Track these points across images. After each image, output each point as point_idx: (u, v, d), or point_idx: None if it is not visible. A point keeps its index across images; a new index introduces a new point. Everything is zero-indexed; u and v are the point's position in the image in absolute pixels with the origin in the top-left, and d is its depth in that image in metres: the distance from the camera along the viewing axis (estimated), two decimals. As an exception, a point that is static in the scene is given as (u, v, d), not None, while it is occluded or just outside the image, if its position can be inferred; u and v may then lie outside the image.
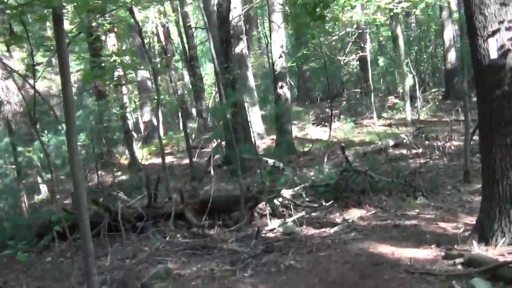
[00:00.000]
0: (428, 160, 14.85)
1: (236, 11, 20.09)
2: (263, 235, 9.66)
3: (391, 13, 21.33)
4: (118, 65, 22.95)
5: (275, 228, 9.95)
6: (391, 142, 17.85)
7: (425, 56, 33.83)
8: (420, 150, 16.41)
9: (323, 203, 11.25)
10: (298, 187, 12.12)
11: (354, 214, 10.57)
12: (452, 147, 15.98)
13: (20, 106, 22.29)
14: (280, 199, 11.34)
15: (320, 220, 10.53)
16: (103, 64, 22.26)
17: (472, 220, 8.39)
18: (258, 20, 42.85)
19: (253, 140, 15.50)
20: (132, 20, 24.47)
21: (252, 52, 41.96)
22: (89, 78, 13.84)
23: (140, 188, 15.87)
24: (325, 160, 14.99)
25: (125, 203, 12.55)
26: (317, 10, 9.75)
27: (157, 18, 29.89)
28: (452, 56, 28.15)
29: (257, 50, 46.73)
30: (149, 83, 29.96)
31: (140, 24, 29.65)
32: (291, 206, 11.05)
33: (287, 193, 11.65)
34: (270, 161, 15.35)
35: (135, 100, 32.70)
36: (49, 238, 10.71)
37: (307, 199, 11.77)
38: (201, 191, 13.30)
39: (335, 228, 9.59)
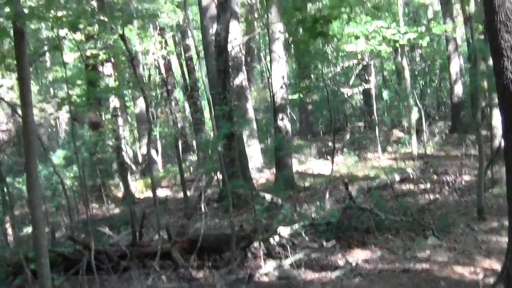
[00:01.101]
0: (438, 196, 13.81)
1: (236, 41, 19.33)
2: (256, 279, 8.68)
3: (397, 45, 20.52)
4: (114, 95, 22.43)
5: (269, 272, 8.94)
6: (397, 177, 16.86)
7: (429, 90, 33.07)
8: (428, 186, 15.44)
9: (324, 243, 10.22)
10: (296, 225, 11.13)
11: (358, 255, 9.53)
12: (463, 182, 14.96)
13: (8, 134, 21.63)
14: (277, 238, 10.35)
15: (321, 262, 9.47)
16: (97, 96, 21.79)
17: (491, 263, 7.45)
18: (262, 54, 42.37)
19: (250, 174, 14.66)
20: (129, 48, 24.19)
21: (254, 86, 41.37)
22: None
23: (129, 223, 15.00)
24: (327, 196, 14.01)
25: (110, 240, 11.70)
26: (317, 26, 8.86)
27: (157, 50, 29.37)
28: (459, 89, 27.38)
29: (259, 84, 46.09)
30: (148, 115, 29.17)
31: (141, 56, 29.46)
32: (289, 246, 10.04)
33: (284, 231, 10.67)
34: (268, 197, 14.37)
35: (133, 132, 31.90)
36: (23, 277, 9.80)
37: (307, 238, 10.75)
38: (192, 228, 12.33)
39: (337, 272, 8.57)
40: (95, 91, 17.56)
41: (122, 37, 12.77)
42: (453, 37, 26.94)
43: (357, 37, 19.87)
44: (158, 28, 29.78)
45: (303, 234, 10.82)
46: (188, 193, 17.62)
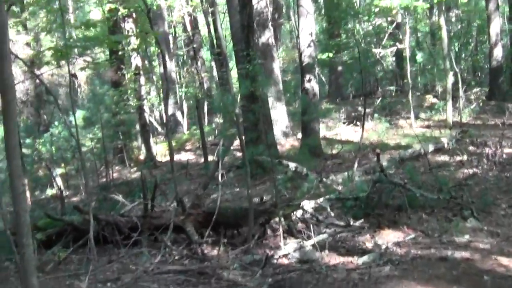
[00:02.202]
0: (476, 171, 12.73)
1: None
2: (275, 261, 7.80)
3: (434, 0, 19.24)
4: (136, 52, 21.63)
5: (289, 253, 8.05)
6: (431, 147, 15.79)
7: (464, 54, 31.69)
8: (465, 158, 14.35)
9: (351, 222, 9.27)
10: (321, 199, 10.21)
11: (388, 237, 8.54)
12: (504, 155, 13.81)
13: (25, 94, 21.02)
14: (300, 212, 9.45)
15: (347, 243, 8.52)
16: (120, 53, 21.01)
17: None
18: (291, 11, 41.17)
19: (275, 139, 13.75)
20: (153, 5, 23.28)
21: (283, 45, 40.25)
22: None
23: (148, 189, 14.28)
24: (356, 166, 13.07)
25: (124, 208, 10.94)
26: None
27: (183, 7, 28.39)
28: (498, 52, 26.03)
29: (288, 43, 44.88)
30: (173, 74, 28.45)
31: (165, 12, 28.49)
32: (312, 223, 9.12)
33: (308, 205, 9.78)
34: (292, 165, 13.42)
35: (159, 93, 31.10)
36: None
37: (332, 214, 9.82)
38: (208, 199, 11.50)
39: (365, 258, 7.60)
40: (110, 40, 16.43)
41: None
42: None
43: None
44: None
45: (329, 209, 9.89)
46: (211, 158, 16.86)
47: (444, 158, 14.87)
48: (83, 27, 16.15)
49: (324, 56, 22.67)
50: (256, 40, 17.48)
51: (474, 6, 30.99)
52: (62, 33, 17.93)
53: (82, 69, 20.30)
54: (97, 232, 8.97)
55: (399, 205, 9.60)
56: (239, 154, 16.90)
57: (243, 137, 10.32)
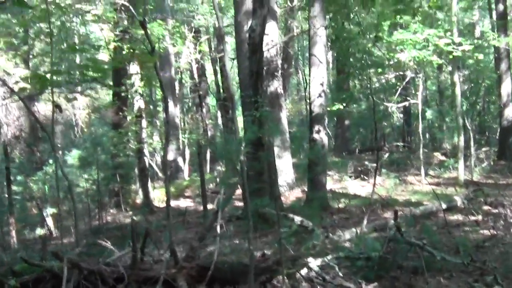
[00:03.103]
0: (495, 232, 11.89)
1: (270, 37, 17.68)
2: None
3: (450, 56, 18.65)
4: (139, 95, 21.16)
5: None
6: (444, 205, 15.00)
7: (472, 113, 31.21)
8: (480, 218, 13.56)
9: (363, 285, 8.36)
10: (329, 257, 9.35)
11: (404, 303, 7.70)
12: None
13: (19, 130, 20.43)
14: (305, 270, 8.61)
15: (357, 309, 7.67)
16: (123, 94, 20.53)
17: None
18: (299, 64, 40.95)
19: (279, 190, 12.99)
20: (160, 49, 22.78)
21: (290, 97, 39.93)
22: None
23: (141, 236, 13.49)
24: (365, 222, 12.26)
25: (112, 255, 10.06)
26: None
27: (191, 53, 28.11)
28: (509, 112, 25.65)
29: (294, 95, 44.56)
30: (177, 120, 27.96)
31: (173, 58, 28.08)
32: (318, 282, 8.26)
33: (314, 263, 8.94)
34: (297, 219, 12.57)
35: (161, 137, 30.58)
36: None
37: (340, 273, 8.93)
38: (204, 252, 10.63)
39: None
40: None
41: (143, 24, 11.21)
42: (506, 55, 25.28)
43: (406, 45, 18.07)
44: (193, 30, 28.51)
45: (337, 269, 9.01)
46: (211, 206, 16.09)
47: (458, 217, 14.09)
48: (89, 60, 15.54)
49: (335, 107, 22.05)
50: (265, 88, 16.88)
51: (483, 67, 30.73)
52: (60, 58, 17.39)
53: (68, 100, 19.66)
54: (78, 282, 8.10)
55: (415, 267, 8.72)
56: (240, 203, 16.15)
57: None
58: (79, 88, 18.93)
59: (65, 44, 19.19)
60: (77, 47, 17.10)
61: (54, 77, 12.38)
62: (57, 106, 13.10)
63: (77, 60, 26.34)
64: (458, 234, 11.57)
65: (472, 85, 30.88)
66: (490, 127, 33.21)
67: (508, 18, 26.54)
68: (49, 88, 12.74)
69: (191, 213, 18.09)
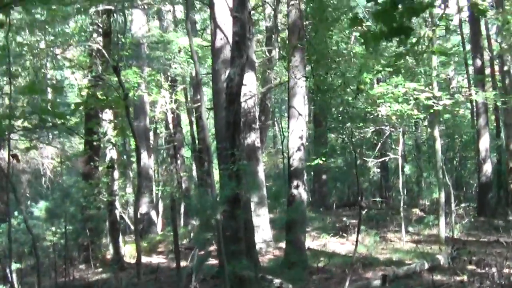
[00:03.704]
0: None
1: (248, 88, 17.24)
2: None
3: (432, 110, 18.33)
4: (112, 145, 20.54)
5: None
6: (426, 265, 14.48)
7: (451, 167, 31.05)
8: (465, 278, 13.01)
9: None
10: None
11: None
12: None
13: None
14: None
15: None
16: (95, 143, 19.92)
17: None
18: (276, 118, 40.65)
19: (256, 250, 12.35)
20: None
21: (266, 149, 39.49)
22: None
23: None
24: (347, 283, 11.64)
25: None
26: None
27: (167, 103, 27.62)
28: (488, 168, 25.50)
29: (271, 148, 44.14)
30: (150, 171, 27.26)
31: (148, 107, 27.54)
32: None
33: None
34: (276, 281, 11.93)
35: (134, 189, 29.85)
36: None
37: None
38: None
39: None
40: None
41: (116, 69, 10.69)
42: (484, 110, 25.20)
43: (388, 98, 17.74)
44: (169, 79, 28.04)
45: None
46: (184, 264, 15.37)
47: (442, 277, 13.53)
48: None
49: (314, 162, 21.57)
50: (242, 141, 16.35)
51: (460, 122, 30.75)
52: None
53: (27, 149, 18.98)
54: None
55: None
56: (215, 261, 15.47)
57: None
58: (50, 134, 18.22)
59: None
60: (38, 88, 16.34)
61: (12, 122, 11.64)
62: (13, 156, 12.48)
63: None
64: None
65: (449, 140, 30.73)
66: (467, 183, 33.01)
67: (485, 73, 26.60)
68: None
69: (164, 270, 17.34)
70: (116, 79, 14.91)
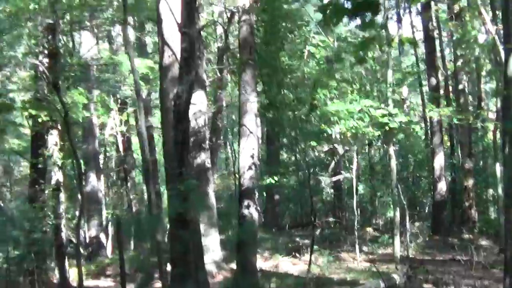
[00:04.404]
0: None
1: (197, 107, 16.82)
2: None
3: (387, 127, 18.12)
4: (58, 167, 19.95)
5: None
6: (382, 284, 14.19)
7: (405, 187, 31.02)
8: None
9: None
10: None
11: None
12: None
13: None
14: None
15: None
16: (40, 166, 19.34)
17: None
18: (228, 139, 40.30)
19: (205, 272, 11.83)
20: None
21: (218, 171, 39.11)
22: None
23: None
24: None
25: None
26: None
27: (116, 126, 27.04)
28: (442, 186, 25.49)
29: (223, 170, 43.71)
30: (99, 194, 26.59)
31: (97, 130, 26.91)
32: None
33: None
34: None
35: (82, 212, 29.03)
36: None
37: None
38: None
39: None
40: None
41: (55, 86, 10.18)
42: (439, 128, 25.25)
43: (343, 115, 17.47)
44: (119, 101, 27.48)
45: None
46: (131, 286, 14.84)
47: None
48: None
49: (266, 181, 21.20)
50: (191, 160, 15.89)
51: (413, 142, 30.82)
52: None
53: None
54: None
55: None
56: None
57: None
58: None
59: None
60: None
61: None
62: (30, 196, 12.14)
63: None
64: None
65: (403, 160, 30.69)
66: (421, 202, 32.97)
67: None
68: None
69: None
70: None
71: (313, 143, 20.11)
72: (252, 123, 15.62)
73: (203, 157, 17.70)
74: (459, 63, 26.15)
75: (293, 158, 27.52)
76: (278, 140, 27.39)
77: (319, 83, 16.80)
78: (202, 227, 16.27)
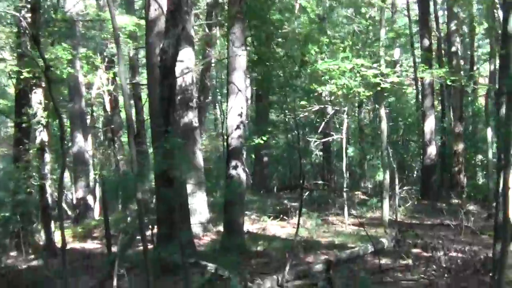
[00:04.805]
0: (433, 279, 10.81)
1: (185, 64, 16.37)
2: None
3: (379, 87, 17.75)
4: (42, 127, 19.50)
5: None
6: (370, 248, 13.92)
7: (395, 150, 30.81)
8: (410, 262, 12.52)
9: None
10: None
11: None
12: (459, 261, 12.01)
13: None
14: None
15: None
16: (24, 125, 18.87)
17: None
18: (217, 99, 39.84)
19: (192, 233, 11.52)
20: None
21: (207, 133, 38.68)
22: None
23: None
24: (287, 268, 10.93)
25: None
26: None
27: (103, 85, 26.51)
28: (432, 150, 25.18)
29: (212, 131, 43.22)
30: (86, 155, 26.11)
31: (85, 89, 26.40)
32: None
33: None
34: (211, 266, 11.14)
35: (70, 173, 28.74)
36: None
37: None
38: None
39: None
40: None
41: (36, 38, 9.71)
42: (430, 91, 24.91)
43: (334, 74, 17.02)
44: (106, 60, 26.94)
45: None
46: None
47: (386, 261, 12.98)
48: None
49: (255, 141, 20.79)
50: (178, 119, 15.49)
51: (404, 105, 30.52)
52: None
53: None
54: None
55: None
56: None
57: (151, 230, 8.09)
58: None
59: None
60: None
61: None
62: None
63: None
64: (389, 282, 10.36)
65: (393, 123, 30.38)
66: (410, 166, 32.75)
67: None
68: None
69: (97, 256, 16.47)
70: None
71: (303, 102, 19.73)
72: (240, 80, 15.18)
73: (191, 116, 17.27)
74: (452, 24, 25.69)
75: (282, 117, 27.08)
76: (267, 98, 26.86)
77: (310, 38, 16.29)
78: (189, 187, 15.95)
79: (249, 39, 16.20)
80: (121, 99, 30.99)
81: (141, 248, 14.77)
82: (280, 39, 17.18)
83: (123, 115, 31.67)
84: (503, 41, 9.93)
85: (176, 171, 9.68)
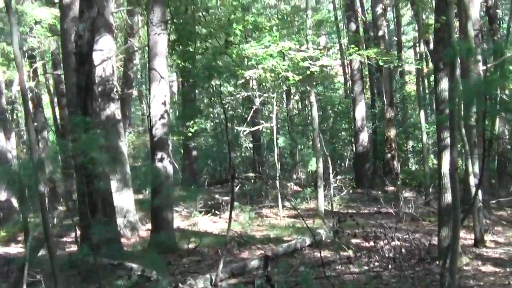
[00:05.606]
0: (378, 271, 10.18)
1: (104, 52, 15.29)
2: None
3: (308, 72, 17.08)
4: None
5: None
6: (308, 241, 13.24)
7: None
8: (351, 253, 11.88)
9: None
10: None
11: None
12: (404, 250, 11.41)
13: None
14: None
15: None
16: None
17: None
18: (144, 96, 38.64)
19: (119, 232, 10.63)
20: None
21: (133, 128, 37.55)
22: None
23: None
24: (221, 265, 10.10)
25: None
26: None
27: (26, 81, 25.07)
28: (364, 137, 24.86)
29: (138, 126, 41.99)
30: (9, 155, 24.75)
31: (3, 86, 25.00)
32: None
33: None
34: (136, 268, 10.21)
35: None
36: None
37: None
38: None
39: None
40: None
41: None
42: (360, 76, 24.55)
43: (262, 57, 16.24)
44: (26, 55, 25.62)
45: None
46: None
47: (326, 254, 12.28)
48: None
49: (184, 132, 19.81)
50: (99, 111, 14.47)
51: (333, 94, 30.20)
52: None
53: None
54: None
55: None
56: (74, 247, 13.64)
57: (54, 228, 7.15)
58: None
59: None
60: None
61: None
62: None
63: None
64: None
65: (322, 112, 29.90)
66: (341, 155, 32.41)
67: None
68: None
69: (19, 261, 15.37)
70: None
71: (231, 88, 18.93)
72: (163, 66, 14.17)
73: (113, 108, 16.19)
74: (378, 8, 25.25)
75: (207, 99, 26.11)
76: (190, 78, 25.76)
77: (234, 18, 15.47)
78: (114, 184, 14.98)
79: (170, 22, 15.24)
80: (44, 98, 29.71)
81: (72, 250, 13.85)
82: (202, 13, 16.26)
83: (47, 113, 30.43)
84: (442, 11, 9.39)
85: (96, 165, 8.76)
